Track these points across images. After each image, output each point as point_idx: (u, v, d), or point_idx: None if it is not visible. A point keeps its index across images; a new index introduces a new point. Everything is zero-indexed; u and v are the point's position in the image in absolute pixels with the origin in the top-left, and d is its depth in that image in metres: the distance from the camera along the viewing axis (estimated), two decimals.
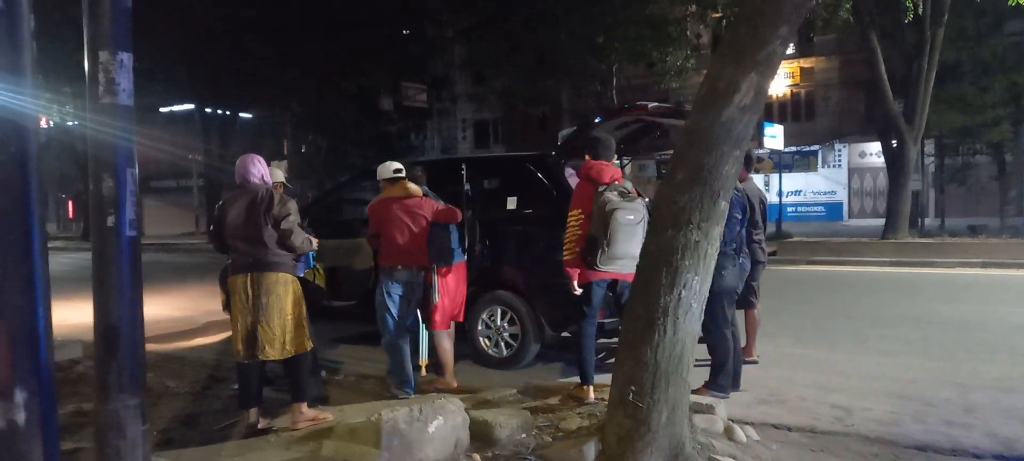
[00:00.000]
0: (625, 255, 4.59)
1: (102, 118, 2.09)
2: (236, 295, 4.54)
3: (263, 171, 4.68)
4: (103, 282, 2.14)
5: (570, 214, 4.84)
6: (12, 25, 1.82)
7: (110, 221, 2.10)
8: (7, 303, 1.80)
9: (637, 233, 4.55)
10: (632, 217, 4.61)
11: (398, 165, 5.60)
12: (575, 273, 4.85)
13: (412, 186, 5.48)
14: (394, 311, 5.34)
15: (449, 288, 5.52)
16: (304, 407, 4.66)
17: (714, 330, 5.10)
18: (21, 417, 1.87)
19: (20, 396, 1.86)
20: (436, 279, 5.41)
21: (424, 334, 5.74)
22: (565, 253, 4.83)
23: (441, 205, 5.54)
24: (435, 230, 5.42)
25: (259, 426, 4.60)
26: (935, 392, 5.26)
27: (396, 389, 5.37)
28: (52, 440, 1.96)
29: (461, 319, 5.78)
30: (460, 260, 5.64)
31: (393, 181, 5.49)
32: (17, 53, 1.84)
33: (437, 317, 5.46)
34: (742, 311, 6.31)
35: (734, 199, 5.14)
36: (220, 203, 4.71)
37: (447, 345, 5.53)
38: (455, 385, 5.48)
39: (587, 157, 4.95)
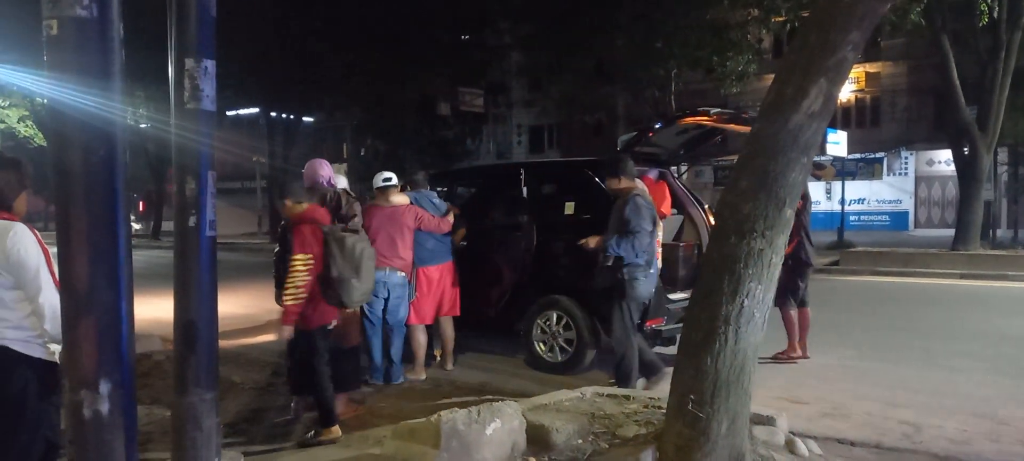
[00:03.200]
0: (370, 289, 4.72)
1: (186, 123, 2.18)
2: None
3: (329, 173, 4.95)
4: (184, 280, 2.23)
5: (297, 258, 4.42)
6: (103, 32, 1.90)
7: (192, 222, 2.18)
8: (96, 299, 1.88)
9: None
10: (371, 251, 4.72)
11: (388, 175, 6.11)
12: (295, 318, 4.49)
13: (394, 196, 5.95)
14: (366, 308, 5.73)
15: (429, 288, 6.02)
16: (346, 398, 4.96)
17: (621, 335, 5.34)
18: (105, 407, 1.94)
19: (105, 387, 1.93)
20: (415, 279, 5.98)
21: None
22: (290, 299, 4.38)
23: (425, 214, 6.00)
24: (417, 235, 5.94)
25: (295, 415, 4.91)
26: (1009, 410, 5.05)
27: (367, 376, 5.88)
28: (132, 430, 2.04)
29: (456, 313, 6.29)
30: (445, 261, 6.14)
31: (381, 190, 6.00)
32: (108, 59, 1.91)
33: (412, 314, 5.98)
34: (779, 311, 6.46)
35: (645, 211, 5.26)
36: None
37: (421, 339, 6.05)
38: (424, 376, 5.99)
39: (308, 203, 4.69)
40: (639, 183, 5.60)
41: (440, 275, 6.09)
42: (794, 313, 6.60)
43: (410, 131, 27.78)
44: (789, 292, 6.52)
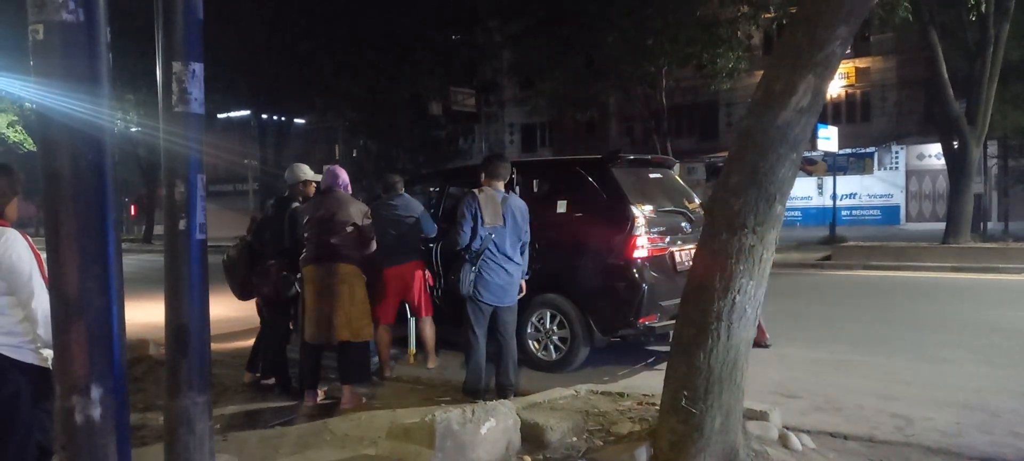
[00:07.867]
0: None
1: (175, 127, 2.17)
2: (309, 282, 5.12)
3: (346, 181, 5.39)
4: (174, 284, 2.22)
5: None
6: (90, 36, 1.88)
7: (181, 225, 2.18)
8: (87, 303, 1.87)
9: None
10: None
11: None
12: None
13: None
14: None
15: (387, 288, 6.07)
16: (350, 390, 5.14)
17: (464, 334, 5.30)
18: (97, 413, 1.93)
19: (96, 392, 1.92)
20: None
21: (411, 327, 6.60)
22: None
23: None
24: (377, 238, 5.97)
25: (319, 400, 5.22)
26: (1001, 402, 5.08)
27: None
28: (124, 435, 2.03)
29: (429, 313, 6.31)
30: (404, 262, 6.11)
31: None
32: (95, 64, 1.90)
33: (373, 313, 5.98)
34: None
35: (467, 208, 5.10)
36: (307, 205, 5.37)
37: (384, 337, 6.13)
38: (388, 374, 6.07)
39: None
40: (497, 184, 5.29)
41: (398, 276, 6.08)
42: None
43: (402, 131, 27.75)
44: None
